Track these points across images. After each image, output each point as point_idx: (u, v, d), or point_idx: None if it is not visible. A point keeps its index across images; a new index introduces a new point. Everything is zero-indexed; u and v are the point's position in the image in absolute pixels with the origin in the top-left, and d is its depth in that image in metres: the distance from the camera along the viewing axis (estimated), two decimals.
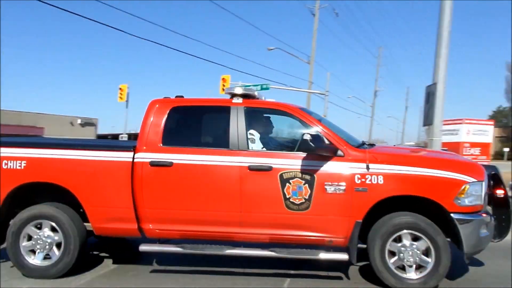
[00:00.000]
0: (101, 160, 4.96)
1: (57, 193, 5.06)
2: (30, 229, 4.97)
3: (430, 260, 4.64)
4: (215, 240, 5.02)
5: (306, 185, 4.74)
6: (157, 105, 5.18)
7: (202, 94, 32.97)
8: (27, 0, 66.76)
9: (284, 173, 4.78)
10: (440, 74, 8.75)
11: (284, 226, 4.84)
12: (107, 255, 6.04)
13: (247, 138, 5.01)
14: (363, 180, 4.68)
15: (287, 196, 4.76)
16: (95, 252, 6.11)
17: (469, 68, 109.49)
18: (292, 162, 4.80)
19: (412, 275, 4.70)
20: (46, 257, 5.00)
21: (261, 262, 5.42)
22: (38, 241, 4.96)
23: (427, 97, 9.26)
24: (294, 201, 4.76)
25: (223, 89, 20.20)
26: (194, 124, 5.33)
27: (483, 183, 4.73)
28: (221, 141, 5.03)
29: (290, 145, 5.17)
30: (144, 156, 4.97)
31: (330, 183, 4.72)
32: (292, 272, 5.35)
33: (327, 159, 4.75)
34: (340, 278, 5.19)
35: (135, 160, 4.96)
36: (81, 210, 5.07)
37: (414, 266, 4.69)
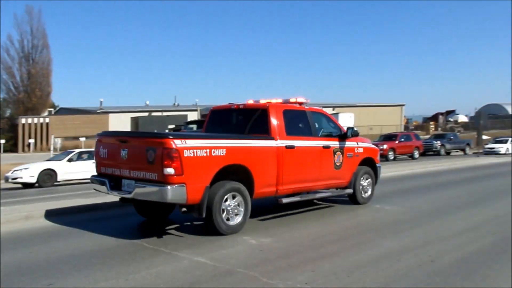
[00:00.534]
0: (261, 146, 7.34)
1: (232, 172, 6.89)
2: (228, 198, 6.78)
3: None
4: (305, 191, 8.50)
5: (341, 154, 8.99)
6: (274, 109, 7.86)
7: None
8: None
9: (335, 149, 8.83)
10: None
11: (332, 178, 8.88)
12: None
13: (316, 130, 8.63)
14: (357, 150, 9.49)
15: (335, 161, 8.83)
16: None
17: None
18: (336, 143, 8.91)
19: None
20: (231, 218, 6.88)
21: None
22: (231, 207, 6.84)
23: None
24: (337, 164, 8.88)
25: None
26: (294, 120, 8.19)
27: None
28: (307, 131, 8.38)
29: (331, 133, 9.04)
30: (281, 143, 7.66)
31: (349, 153, 9.22)
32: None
33: (346, 140, 9.17)
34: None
35: (277, 145, 7.57)
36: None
37: None
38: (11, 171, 18.67)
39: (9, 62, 50.14)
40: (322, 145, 8.50)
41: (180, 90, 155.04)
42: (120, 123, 46.08)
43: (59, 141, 41.29)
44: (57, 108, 59.70)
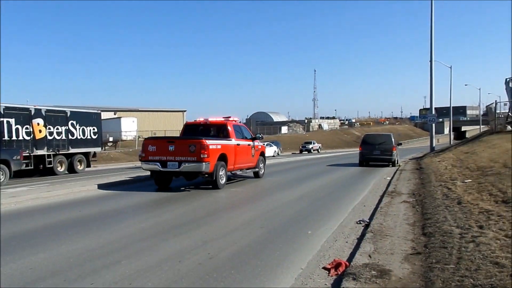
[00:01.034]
0: (229, 144, 14.15)
1: (220, 157, 13.42)
2: (221, 170, 13.42)
3: None
4: (241, 170, 15.93)
5: (253, 149, 16.20)
6: (231, 123, 15.50)
7: None
8: None
9: (251, 146, 15.95)
10: None
11: (250, 162, 15.93)
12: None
13: (244, 135, 16.05)
14: (259, 147, 17.04)
15: (252, 153, 16.04)
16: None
17: None
18: (251, 143, 16.12)
19: None
20: None
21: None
22: (221, 175, 13.47)
23: None
24: (253, 154, 16.10)
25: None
26: (236, 130, 15.52)
27: None
28: (242, 136, 15.68)
29: (248, 137, 16.15)
30: (235, 142, 14.76)
31: (256, 148, 16.57)
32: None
33: (255, 141, 16.55)
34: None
35: (234, 143, 14.59)
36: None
37: None
38: None
39: None
40: (247, 144, 15.84)
41: None
42: None
43: None
44: None
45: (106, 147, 43.26)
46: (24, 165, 19.58)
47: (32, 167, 20.47)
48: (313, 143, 60.35)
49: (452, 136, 57.68)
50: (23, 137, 20.06)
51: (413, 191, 12.12)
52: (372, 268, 4.97)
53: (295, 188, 14.09)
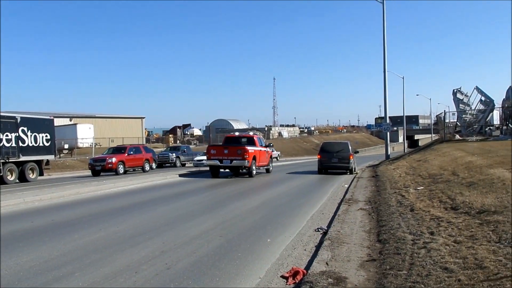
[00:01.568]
0: (257, 149, 22.83)
1: (253, 156, 22.30)
2: (254, 165, 22.52)
3: None
4: (261, 167, 24.68)
5: (267, 153, 24.60)
6: (255, 137, 25.28)
7: None
8: None
9: (266, 151, 24.53)
10: None
11: (265, 161, 24.18)
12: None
13: (261, 143, 25.09)
14: (269, 152, 25.49)
15: (266, 156, 24.37)
16: None
17: None
18: (265, 149, 24.57)
19: None
20: None
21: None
22: (254, 168, 22.67)
23: None
24: (266, 157, 24.46)
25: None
26: (259, 140, 25.16)
27: None
28: (261, 144, 25.24)
29: (264, 144, 25.23)
30: (258, 148, 23.77)
31: (267, 153, 24.86)
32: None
33: (267, 148, 25.43)
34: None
35: (257, 149, 23.20)
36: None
37: None
38: None
39: None
40: (264, 149, 23.55)
41: None
42: None
43: None
44: None
45: (61, 155, 41.75)
46: None
47: None
48: (273, 150, 60.95)
49: (406, 144, 59.78)
50: None
51: (369, 198, 12.44)
52: (329, 275, 5.05)
53: (254, 196, 14.13)
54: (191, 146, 52.76)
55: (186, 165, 36.47)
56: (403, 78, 53.25)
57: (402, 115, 59.64)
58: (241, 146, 21.52)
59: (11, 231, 8.54)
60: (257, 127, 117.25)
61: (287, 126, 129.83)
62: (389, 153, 36.25)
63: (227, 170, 23.12)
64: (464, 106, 36.23)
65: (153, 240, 7.52)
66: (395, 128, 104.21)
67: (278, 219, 9.74)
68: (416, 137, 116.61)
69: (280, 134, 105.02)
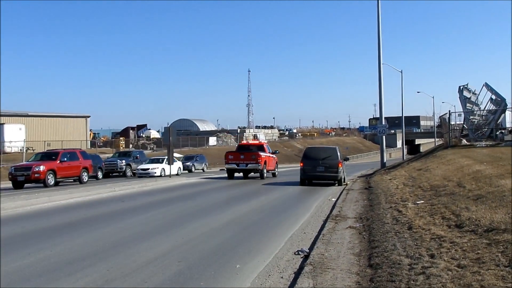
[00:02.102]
0: (267, 156, 31.42)
1: (264, 161, 31.28)
2: (265, 168, 31.37)
3: None
4: (270, 171, 33.45)
5: (274, 159, 33.42)
6: (265, 144, 36.01)
7: None
8: None
9: (272, 157, 33.11)
10: None
11: (272, 166, 32.72)
12: None
13: (269, 150, 34.02)
14: (275, 157, 34.34)
15: (273, 161, 33.08)
16: None
17: None
18: (273, 155, 33.39)
19: None
20: None
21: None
22: (265, 171, 31.56)
23: None
24: (273, 162, 33.36)
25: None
26: (267, 147, 34.90)
27: None
28: (269, 151, 34.39)
29: (271, 152, 34.01)
30: (268, 155, 33.55)
31: (274, 159, 33.54)
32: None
33: (274, 154, 34.18)
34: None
35: (268, 155, 32.60)
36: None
37: None
38: None
39: None
40: (271, 156, 32.24)
41: None
42: None
43: None
44: None
45: None
46: None
47: None
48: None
49: (405, 150, 60.92)
50: None
51: (360, 214, 12.58)
52: None
53: (223, 212, 14.09)
54: (146, 152, 52.38)
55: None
56: (401, 72, 54.30)
57: (401, 115, 60.73)
58: (255, 152, 29.99)
59: None
60: (228, 128, 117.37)
61: (265, 127, 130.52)
62: (385, 160, 36.90)
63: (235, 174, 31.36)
64: (471, 105, 37.10)
65: (95, 266, 7.39)
66: (393, 131, 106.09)
67: (251, 239, 9.73)
68: (417, 141, 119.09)
69: (255, 137, 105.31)
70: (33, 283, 6.45)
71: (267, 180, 29.07)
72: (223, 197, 19.05)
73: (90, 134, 73.36)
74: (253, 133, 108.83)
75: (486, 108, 36.63)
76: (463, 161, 20.54)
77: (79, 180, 27.99)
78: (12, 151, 47.64)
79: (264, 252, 8.54)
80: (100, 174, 31.21)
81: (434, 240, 7.82)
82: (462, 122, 37.61)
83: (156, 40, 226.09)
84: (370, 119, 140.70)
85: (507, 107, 34.80)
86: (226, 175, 30.32)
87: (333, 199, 17.35)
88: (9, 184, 26.84)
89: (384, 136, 36.05)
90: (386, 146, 37.66)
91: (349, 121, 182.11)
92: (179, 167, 37.70)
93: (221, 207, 15.67)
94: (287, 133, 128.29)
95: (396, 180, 20.88)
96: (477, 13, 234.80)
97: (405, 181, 19.63)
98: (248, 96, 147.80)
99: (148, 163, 36.83)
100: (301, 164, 25.22)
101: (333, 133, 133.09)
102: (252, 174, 31.15)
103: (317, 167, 24.41)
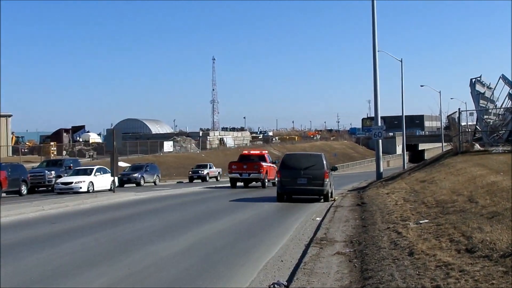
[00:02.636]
0: (269, 165, 40.23)
1: (265, 171, 40.47)
2: (266, 177, 40.00)
3: None
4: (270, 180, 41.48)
5: (274, 169, 39.54)
6: (266, 154, 45.75)
7: None
8: None
9: (273, 166, 40.63)
10: None
11: (272, 175, 39.32)
12: None
13: (270, 160, 44.30)
14: (276, 167, 37.63)
15: (273, 171, 39.22)
16: None
17: None
18: (273, 165, 40.90)
19: None
20: None
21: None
22: (267, 181, 40.75)
23: None
24: (274, 172, 38.93)
25: None
26: (268, 157, 45.40)
27: None
28: (270, 161, 43.92)
29: (272, 161, 42.77)
30: (269, 164, 43.20)
31: (274, 168, 39.20)
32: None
33: (274, 164, 41.28)
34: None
35: (269, 165, 42.06)
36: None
37: None
38: None
39: None
40: (272, 165, 40.28)
41: None
42: None
43: None
44: None
45: None
46: None
47: None
48: (210, 167, 60.57)
49: (406, 158, 61.51)
50: None
51: (351, 237, 12.64)
52: None
53: (180, 236, 14.01)
54: (83, 160, 51.76)
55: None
56: (401, 61, 55.16)
57: (401, 114, 61.32)
58: (257, 162, 37.98)
59: None
60: (188, 131, 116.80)
61: (233, 129, 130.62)
62: (381, 170, 37.03)
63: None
64: (486, 102, 37.47)
65: None
66: (391, 134, 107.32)
67: (215, 270, 9.71)
68: (421, 146, 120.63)
69: (222, 141, 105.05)
70: None
71: (234, 195, 29.06)
72: (180, 218, 18.89)
73: (12, 138, 72.11)
74: (219, 137, 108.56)
75: (503, 106, 36.85)
76: (475, 170, 20.82)
77: None
78: None
79: (231, 285, 8.51)
80: (24, 189, 30.70)
81: (440, 268, 7.89)
82: (475, 123, 37.85)
83: (95, 23, 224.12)
84: (363, 119, 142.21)
85: None
86: (186, 188, 37.20)
87: (317, 219, 17.43)
88: None
89: (380, 140, 36.28)
90: (383, 153, 38.04)
91: (338, 122, 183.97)
92: (112, 180, 34.99)
93: (178, 229, 15.56)
94: (261, 136, 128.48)
95: (395, 194, 21.06)
96: None
97: (405, 195, 19.81)
98: (213, 90, 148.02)
99: (71, 175, 35.41)
100: (278, 176, 25.20)
101: (318, 137, 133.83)
102: (253, 183, 39.37)
103: (298, 179, 24.28)
